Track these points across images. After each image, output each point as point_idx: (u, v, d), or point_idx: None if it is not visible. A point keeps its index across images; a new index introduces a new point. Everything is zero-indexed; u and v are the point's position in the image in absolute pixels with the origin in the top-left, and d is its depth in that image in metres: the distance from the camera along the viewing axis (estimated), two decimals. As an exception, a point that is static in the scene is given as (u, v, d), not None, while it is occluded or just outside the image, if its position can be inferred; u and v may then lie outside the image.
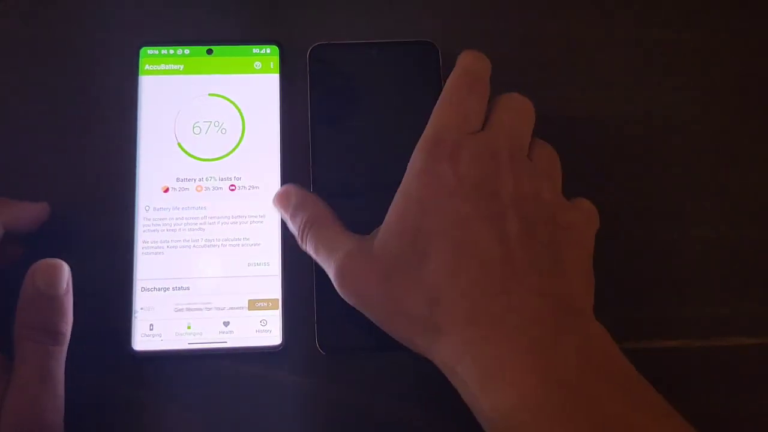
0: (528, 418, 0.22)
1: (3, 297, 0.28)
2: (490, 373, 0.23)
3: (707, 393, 0.31)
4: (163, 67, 0.36)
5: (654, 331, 0.33)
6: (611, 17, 0.38)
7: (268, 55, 0.36)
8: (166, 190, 0.34)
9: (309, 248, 0.30)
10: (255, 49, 0.36)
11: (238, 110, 0.35)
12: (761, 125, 0.36)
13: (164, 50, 0.36)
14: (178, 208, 0.33)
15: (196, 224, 0.33)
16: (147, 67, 0.35)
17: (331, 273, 0.28)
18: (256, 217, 0.33)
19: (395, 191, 0.28)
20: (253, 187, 0.34)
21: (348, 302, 0.28)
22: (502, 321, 0.24)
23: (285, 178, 0.34)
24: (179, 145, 0.34)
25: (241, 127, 0.35)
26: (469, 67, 0.29)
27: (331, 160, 0.33)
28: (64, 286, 0.28)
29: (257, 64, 0.36)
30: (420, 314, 0.25)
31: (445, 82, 0.29)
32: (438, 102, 0.29)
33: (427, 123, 0.29)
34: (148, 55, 0.36)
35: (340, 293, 0.28)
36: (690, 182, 0.35)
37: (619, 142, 0.36)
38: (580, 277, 0.27)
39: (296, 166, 0.35)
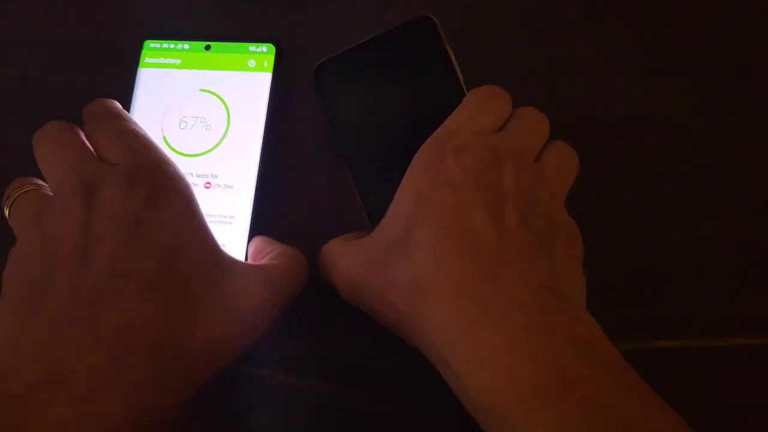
0: (514, 400, 0.21)
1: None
2: (475, 354, 0.22)
3: (707, 393, 0.31)
4: (161, 60, 0.36)
5: (654, 331, 0.32)
6: (611, 17, 0.38)
7: (263, 53, 0.35)
8: (145, 182, 0.33)
9: (324, 274, 0.30)
10: (252, 47, 0.35)
11: (226, 107, 0.34)
12: (761, 125, 0.36)
13: (165, 44, 0.36)
14: (154, 202, 0.33)
15: (167, 219, 0.33)
16: (147, 60, 0.36)
17: (334, 280, 0.29)
18: (225, 217, 0.32)
19: None
20: (227, 186, 0.33)
21: (346, 300, 0.28)
22: (490, 302, 0.23)
23: (262, 179, 0.33)
24: (164, 138, 0.34)
25: (225, 124, 0.34)
26: (492, 86, 0.30)
27: (368, 164, 0.31)
28: None
29: (251, 62, 0.35)
30: (405, 298, 0.25)
31: (450, 50, 0.30)
32: (456, 108, 0.29)
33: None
34: (150, 48, 0.36)
35: (341, 294, 0.29)
36: (690, 182, 0.35)
37: (618, 142, 0.35)
38: (571, 272, 0.26)
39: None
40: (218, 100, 0.34)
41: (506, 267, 0.24)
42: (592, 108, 0.36)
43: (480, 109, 0.29)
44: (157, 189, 0.25)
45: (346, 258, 0.28)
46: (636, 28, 0.38)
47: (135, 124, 0.28)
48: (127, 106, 0.35)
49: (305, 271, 0.29)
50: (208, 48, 0.35)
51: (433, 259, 0.24)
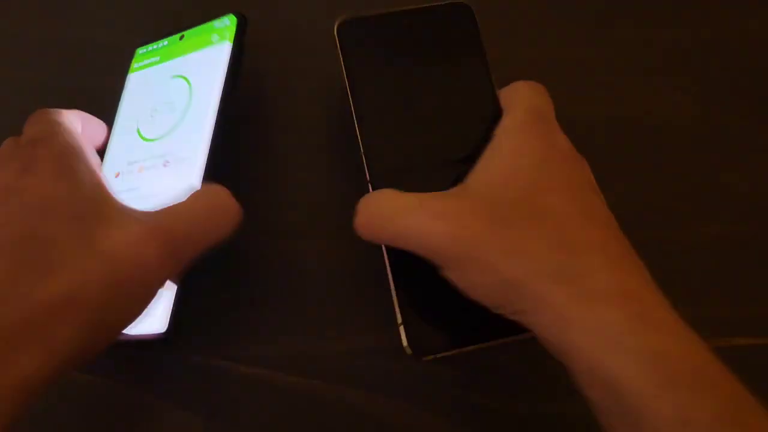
0: (665, 382, 0.21)
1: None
2: (635, 323, 0.22)
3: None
4: (146, 62, 0.35)
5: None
6: (611, 17, 0.38)
7: (227, 26, 0.33)
8: (117, 175, 0.32)
9: (370, 232, 0.26)
10: (216, 23, 0.33)
11: (189, 86, 0.32)
12: (761, 125, 0.36)
13: (151, 47, 0.36)
14: (123, 192, 0.31)
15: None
16: (135, 65, 0.36)
17: (421, 220, 0.24)
18: (182, 190, 0.29)
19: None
20: (181, 160, 0.30)
21: (447, 250, 0.24)
22: (637, 277, 0.23)
23: (215, 147, 0.30)
24: (137, 130, 0.33)
25: (187, 102, 0.32)
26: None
27: (381, 135, 0.29)
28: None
29: (215, 37, 0.33)
30: (549, 263, 0.23)
31: (482, 44, 0.29)
32: (521, 82, 0.29)
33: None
34: (139, 54, 0.36)
35: (405, 247, 0.25)
36: (690, 182, 0.35)
37: (619, 142, 0.35)
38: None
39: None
40: (184, 81, 0.33)
41: (624, 247, 0.24)
42: (592, 108, 0.36)
43: (544, 96, 0.28)
44: (32, 159, 0.25)
45: (429, 210, 0.24)
46: (636, 28, 0.38)
47: (57, 113, 0.28)
48: (114, 111, 0.35)
49: (224, 207, 0.27)
50: (182, 38, 0.34)
51: (581, 228, 0.24)
